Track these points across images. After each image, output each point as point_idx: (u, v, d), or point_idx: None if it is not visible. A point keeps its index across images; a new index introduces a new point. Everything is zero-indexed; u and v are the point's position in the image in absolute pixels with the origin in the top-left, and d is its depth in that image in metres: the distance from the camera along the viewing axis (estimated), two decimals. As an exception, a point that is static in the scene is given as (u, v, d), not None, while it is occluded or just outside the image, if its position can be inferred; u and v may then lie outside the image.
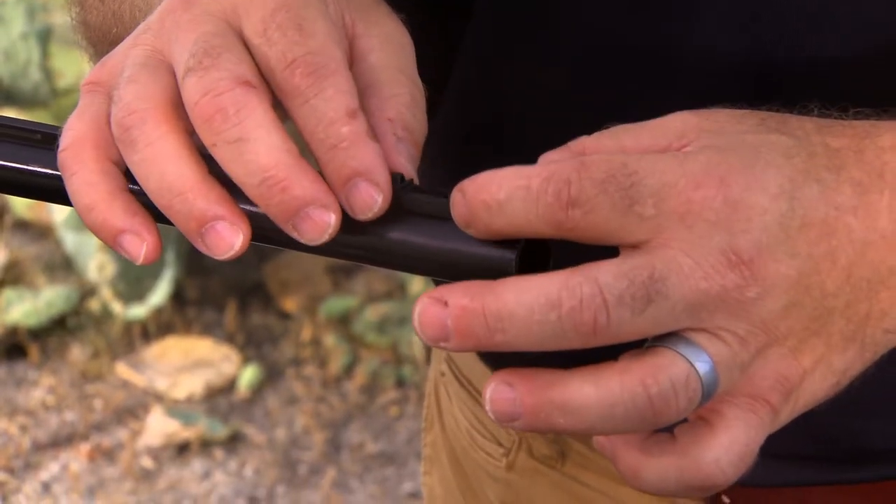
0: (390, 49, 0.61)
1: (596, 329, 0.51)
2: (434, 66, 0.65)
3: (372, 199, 0.55)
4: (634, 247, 0.53)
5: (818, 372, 0.55)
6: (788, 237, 0.53)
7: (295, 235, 0.55)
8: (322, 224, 0.55)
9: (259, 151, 0.54)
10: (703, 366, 0.52)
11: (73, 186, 0.57)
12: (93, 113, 0.58)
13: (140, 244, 0.57)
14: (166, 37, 0.58)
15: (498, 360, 0.89)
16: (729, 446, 0.54)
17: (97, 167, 0.57)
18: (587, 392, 0.52)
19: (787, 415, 0.55)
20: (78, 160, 0.57)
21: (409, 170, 0.58)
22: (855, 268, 0.55)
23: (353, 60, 0.61)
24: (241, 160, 0.54)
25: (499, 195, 0.53)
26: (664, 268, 0.52)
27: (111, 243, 0.57)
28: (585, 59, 0.74)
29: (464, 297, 0.52)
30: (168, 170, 0.55)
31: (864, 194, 0.55)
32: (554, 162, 0.54)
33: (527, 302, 0.51)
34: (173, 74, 0.57)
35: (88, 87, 0.59)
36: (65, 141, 0.58)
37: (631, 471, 0.54)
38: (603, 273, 0.51)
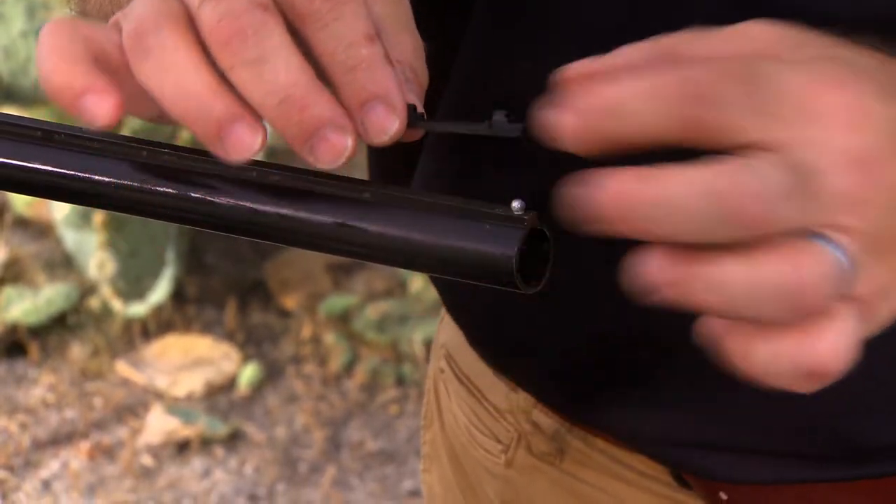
0: (391, 4, 0.61)
1: (755, 220, 0.51)
2: (430, 64, 0.66)
3: (389, 122, 0.56)
4: (763, 149, 0.52)
5: None
6: None
7: (311, 160, 0.55)
8: (339, 146, 0.55)
9: (279, 70, 0.54)
10: (844, 259, 0.52)
11: (40, 55, 0.56)
12: (87, 24, 0.58)
13: (104, 103, 0.56)
14: None
15: (495, 357, 0.90)
16: (845, 335, 0.53)
17: (68, 36, 0.56)
18: (738, 269, 0.51)
19: (874, 324, 0.56)
20: (53, 34, 0.57)
21: (418, 106, 0.58)
22: None
23: None
24: (260, 80, 0.54)
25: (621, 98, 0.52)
26: (806, 166, 0.52)
27: (73, 108, 0.57)
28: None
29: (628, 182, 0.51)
30: (186, 76, 0.55)
31: None
32: (657, 57, 0.53)
33: (694, 191, 0.51)
34: (184, 5, 0.57)
35: None
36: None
37: (741, 349, 0.53)
38: (761, 167, 0.51)
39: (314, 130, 0.55)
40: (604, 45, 0.73)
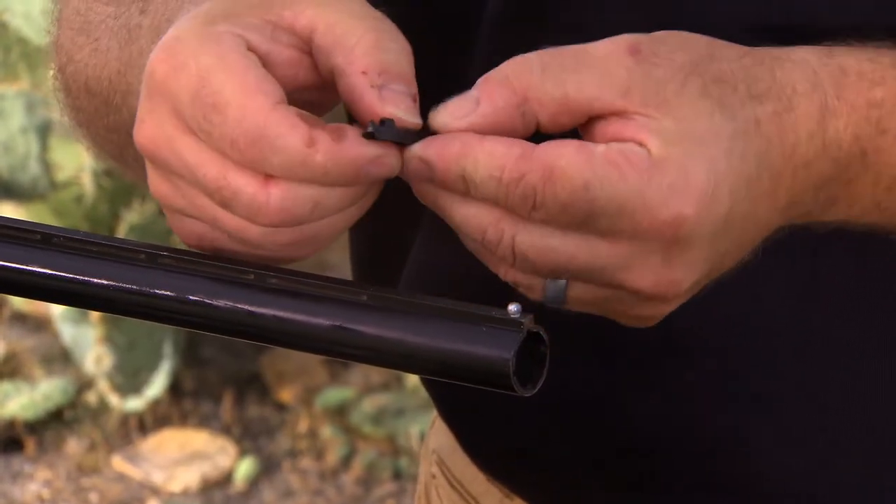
0: (332, 6, 0.63)
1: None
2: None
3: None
4: None
5: None
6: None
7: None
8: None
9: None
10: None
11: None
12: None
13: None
14: None
15: (491, 464, 0.89)
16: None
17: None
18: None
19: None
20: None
21: (398, 113, 0.61)
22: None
23: (308, 42, 0.63)
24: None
25: (474, 176, 0.59)
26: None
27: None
28: None
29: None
30: None
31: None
32: (507, 127, 0.61)
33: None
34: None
35: None
36: None
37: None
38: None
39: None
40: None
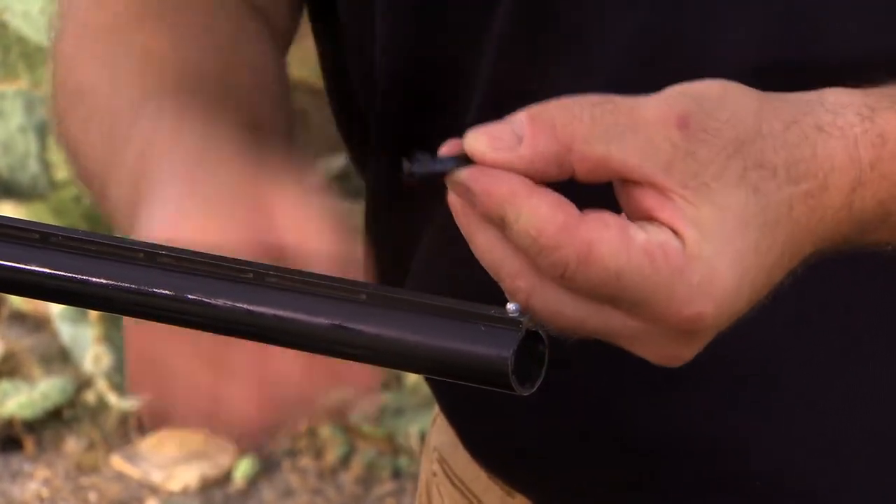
0: (299, 221, 0.65)
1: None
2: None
3: None
4: None
5: None
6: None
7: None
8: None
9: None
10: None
11: None
12: None
13: None
14: None
15: (492, 460, 0.89)
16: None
17: None
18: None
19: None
20: None
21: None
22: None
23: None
24: None
25: (513, 225, 0.59)
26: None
27: None
28: (615, 76, 0.75)
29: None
30: None
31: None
32: (545, 162, 0.60)
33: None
34: None
35: None
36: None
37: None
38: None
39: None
40: (634, 61, 0.74)
